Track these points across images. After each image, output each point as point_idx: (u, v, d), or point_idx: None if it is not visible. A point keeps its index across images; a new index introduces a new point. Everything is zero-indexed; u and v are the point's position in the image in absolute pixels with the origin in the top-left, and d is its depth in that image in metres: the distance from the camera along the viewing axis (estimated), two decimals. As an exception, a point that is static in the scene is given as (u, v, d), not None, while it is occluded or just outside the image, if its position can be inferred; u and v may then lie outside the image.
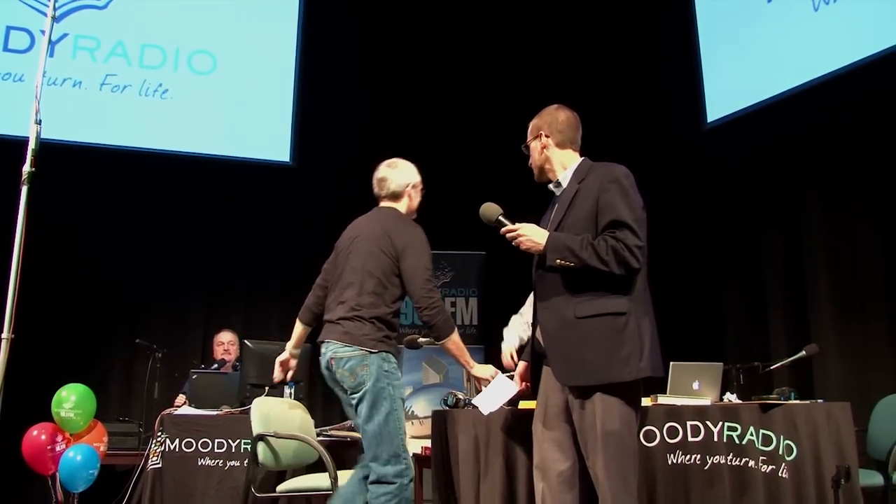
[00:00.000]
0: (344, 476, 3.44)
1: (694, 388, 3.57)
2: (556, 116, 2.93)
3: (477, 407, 2.83)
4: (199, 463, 4.32)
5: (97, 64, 6.73)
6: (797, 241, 5.61)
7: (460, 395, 3.53)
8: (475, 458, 3.22)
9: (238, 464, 4.31)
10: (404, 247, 3.25)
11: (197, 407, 4.60)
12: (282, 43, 7.31)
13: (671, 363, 3.55)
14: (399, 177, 3.52)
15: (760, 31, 6.01)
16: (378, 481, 3.11)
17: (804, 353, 3.87)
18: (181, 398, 5.32)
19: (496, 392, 2.69)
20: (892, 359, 4.84)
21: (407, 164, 3.59)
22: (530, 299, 4.56)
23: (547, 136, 2.89)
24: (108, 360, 6.55)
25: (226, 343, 5.71)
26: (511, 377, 3.02)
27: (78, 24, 6.71)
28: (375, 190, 3.56)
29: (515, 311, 4.92)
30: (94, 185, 6.54)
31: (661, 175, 6.69)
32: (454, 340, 3.21)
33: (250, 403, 3.78)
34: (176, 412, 4.60)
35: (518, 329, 4.21)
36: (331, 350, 3.25)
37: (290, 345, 3.61)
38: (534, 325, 2.81)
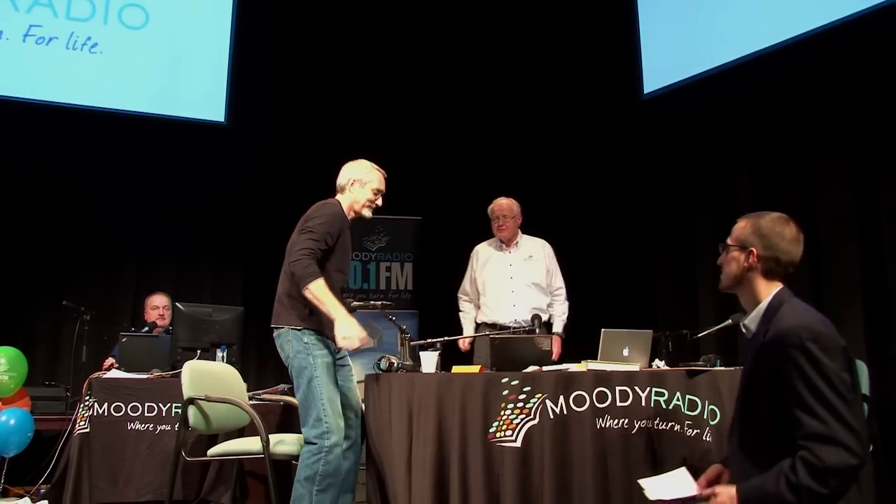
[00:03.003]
0: (275, 439, 3.50)
1: (624, 354, 3.65)
2: (782, 233, 2.23)
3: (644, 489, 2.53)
4: (129, 427, 4.27)
5: (20, 13, 6.42)
6: (727, 215, 5.71)
7: (394, 360, 3.56)
8: (408, 422, 3.26)
9: (169, 428, 4.27)
10: (307, 220, 3.52)
11: (126, 370, 4.51)
12: (217, -1, 7.11)
13: (602, 330, 3.62)
14: (346, 172, 3.73)
15: (699, 3, 6.09)
16: (307, 442, 3.35)
17: (730, 321, 3.95)
18: (110, 361, 5.21)
19: (673, 484, 2.42)
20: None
21: (360, 163, 3.76)
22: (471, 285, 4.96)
23: (757, 259, 2.23)
24: (33, 323, 6.37)
25: (161, 307, 5.60)
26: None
27: (-2, -30, 6.38)
28: None
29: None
30: (18, 141, 6.29)
31: (598, 145, 6.76)
32: (310, 290, 3.32)
33: (181, 367, 3.73)
34: (105, 376, 4.51)
35: (470, 325, 4.92)
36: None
37: None
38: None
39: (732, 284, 2.29)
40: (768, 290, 2.22)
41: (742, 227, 2.29)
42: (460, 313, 5.02)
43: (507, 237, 4.85)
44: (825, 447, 1.85)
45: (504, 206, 4.83)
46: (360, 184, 3.70)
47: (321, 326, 3.47)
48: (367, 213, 3.73)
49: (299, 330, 3.46)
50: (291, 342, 3.46)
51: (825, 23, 5.09)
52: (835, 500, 1.88)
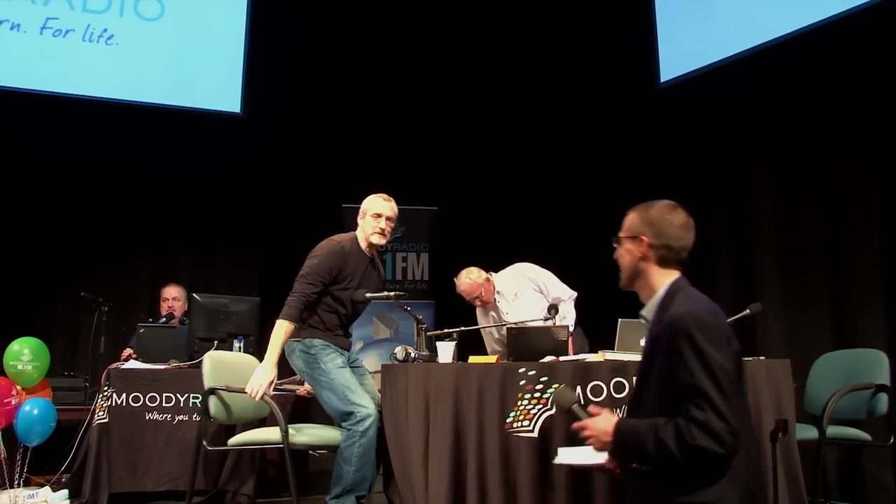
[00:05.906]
0: (294, 429, 3.54)
1: (641, 344, 3.62)
2: (670, 220, 2.22)
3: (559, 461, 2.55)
4: (147, 417, 4.31)
5: (36, 6, 6.45)
6: (744, 205, 5.68)
7: (410, 350, 3.56)
8: (425, 412, 3.26)
9: (186, 418, 4.30)
10: (308, 257, 3.79)
11: (144, 361, 4.55)
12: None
13: (619, 320, 3.61)
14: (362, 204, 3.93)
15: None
16: (344, 428, 3.57)
17: (748, 311, 3.94)
18: (128, 352, 5.25)
19: (584, 454, 2.41)
20: (830, 319, 4.97)
21: (367, 198, 3.93)
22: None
23: (650, 247, 2.19)
24: (52, 314, 6.41)
25: (171, 299, 5.62)
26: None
27: (15, -37, 6.40)
28: None
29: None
30: (34, 133, 6.32)
31: (615, 134, 6.72)
32: (280, 324, 3.62)
33: (198, 357, 3.76)
34: (123, 366, 4.55)
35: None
36: None
37: None
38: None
39: (630, 277, 2.26)
40: (664, 279, 2.19)
41: (631, 218, 2.27)
42: None
43: (488, 302, 4.76)
44: (698, 430, 1.90)
45: (469, 291, 4.68)
46: (362, 215, 3.90)
47: (325, 337, 3.72)
48: (377, 239, 3.83)
49: (304, 341, 3.70)
50: (298, 354, 3.71)
51: (845, 9, 5.00)
52: (682, 470, 1.95)
